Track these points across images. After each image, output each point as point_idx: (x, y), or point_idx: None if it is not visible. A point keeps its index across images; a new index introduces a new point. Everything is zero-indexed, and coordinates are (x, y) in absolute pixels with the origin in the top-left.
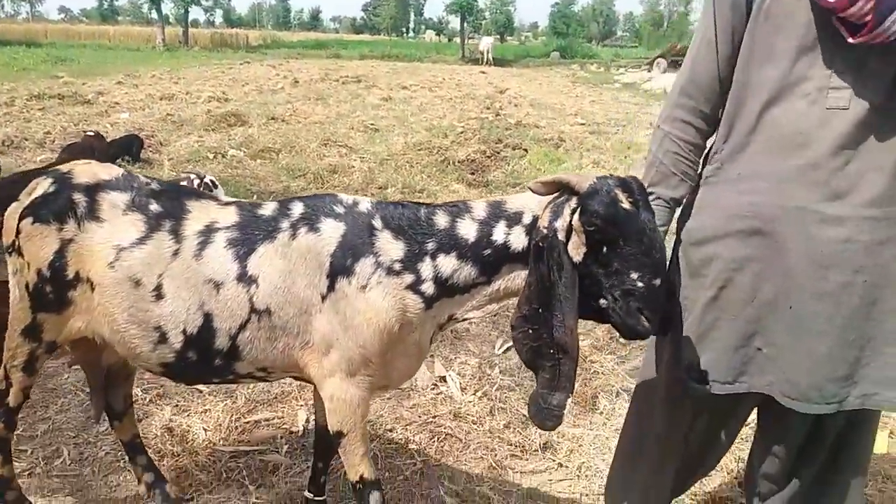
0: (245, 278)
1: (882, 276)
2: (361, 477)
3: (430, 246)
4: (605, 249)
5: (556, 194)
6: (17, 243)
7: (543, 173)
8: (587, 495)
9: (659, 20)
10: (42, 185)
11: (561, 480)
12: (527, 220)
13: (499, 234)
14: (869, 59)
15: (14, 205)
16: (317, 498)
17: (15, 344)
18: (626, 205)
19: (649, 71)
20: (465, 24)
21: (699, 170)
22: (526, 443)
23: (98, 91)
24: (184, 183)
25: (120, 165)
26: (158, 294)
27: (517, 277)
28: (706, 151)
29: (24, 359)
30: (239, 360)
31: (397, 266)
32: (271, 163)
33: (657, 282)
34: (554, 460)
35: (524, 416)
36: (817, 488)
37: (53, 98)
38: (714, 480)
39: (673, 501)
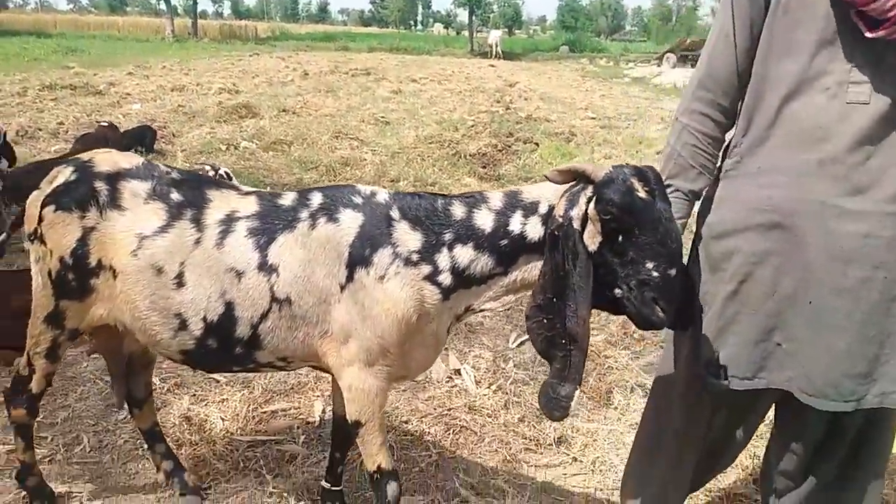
0: (266, 267)
1: None
2: (379, 467)
3: (448, 237)
4: (620, 238)
5: (572, 183)
6: (39, 231)
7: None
8: (601, 490)
9: (667, 15)
10: (63, 174)
11: (575, 475)
12: (543, 209)
13: (515, 224)
14: (887, 54)
15: (35, 193)
16: (334, 488)
17: (38, 331)
18: (641, 194)
19: (659, 66)
20: (474, 18)
21: (718, 163)
22: (540, 437)
23: (109, 82)
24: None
25: None
26: (180, 282)
27: (534, 268)
28: (725, 145)
29: (46, 346)
30: (260, 349)
31: (415, 257)
32: (283, 155)
33: (672, 271)
34: (568, 454)
35: (538, 410)
36: (834, 486)
37: (65, 88)
38: (729, 477)
39: (688, 497)
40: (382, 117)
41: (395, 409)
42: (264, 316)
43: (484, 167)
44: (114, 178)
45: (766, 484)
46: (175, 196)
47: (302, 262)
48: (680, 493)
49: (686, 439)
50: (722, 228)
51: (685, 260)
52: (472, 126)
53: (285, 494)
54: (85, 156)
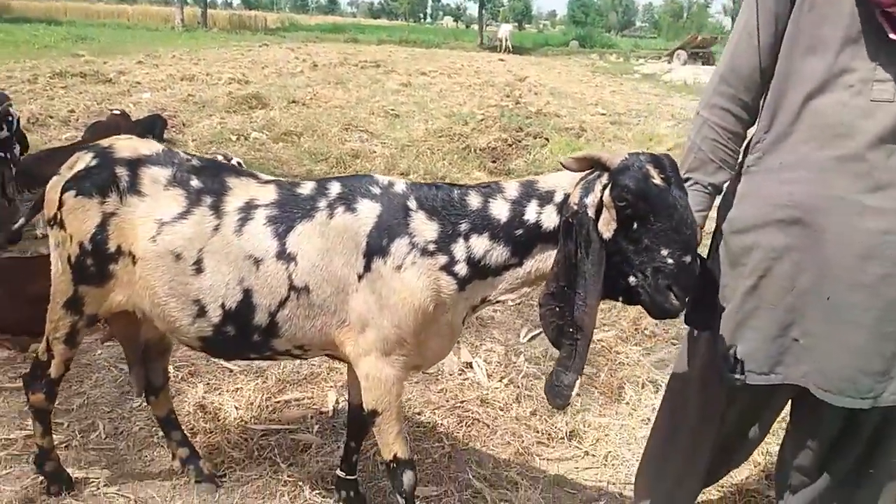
0: (284, 255)
1: None
2: (395, 456)
3: (464, 227)
4: (635, 225)
5: (587, 171)
6: (59, 216)
7: None
8: (614, 484)
9: (678, 11)
10: (84, 159)
11: (587, 468)
12: (558, 198)
13: (531, 213)
14: None
15: (55, 178)
16: (349, 477)
17: (57, 316)
18: (657, 181)
19: (669, 62)
20: (484, 12)
21: (740, 159)
22: (552, 430)
23: (119, 70)
24: None
25: None
26: (198, 268)
27: (549, 258)
28: (747, 141)
29: (65, 331)
30: (277, 338)
31: (431, 247)
32: (293, 146)
33: (687, 258)
34: (580, 448)
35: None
36: (849, 483)
37: (76, 76)
38: (741, 473)
39: (701, 493)
40: (392, 110)
41: (408, 401)
42: (282, 304)
43: (494, 161)
44: (134, 164)
45: (780, 479)
46: (195, 183)
47: (320, 252)
48: (693, 488)
49: (701, 435)
50: (742, 223)
51: (705, 255)
52: (482, 120)
53: (300, 483)
54: (105, 142)
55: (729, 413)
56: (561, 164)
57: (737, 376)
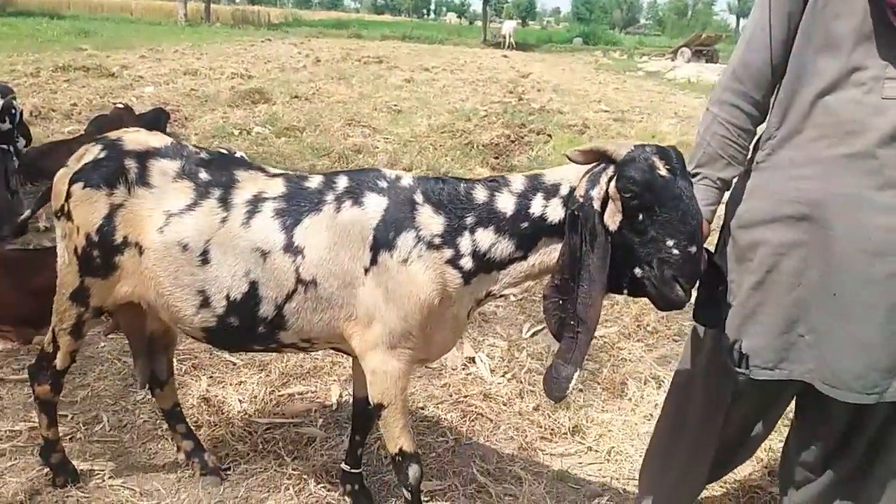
0: (291, 249)
1: None
2: (401, 449)
3: (469, 220)
4: (640, 217)
5: (593, 164)
6: (66, 207)
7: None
8: (617, 479)
9: (683, 9)
10: (92, 152)
11: (591, 464)
12: (564, 191)
13: (536, 206)
14: None
15: (63, 170)
16: (353, 470)
17: (63, 308)
18: (662, 171)
19: (673, 60)
20: (487, 8)
21: (749, 155)
22: (555, 426)
23: (122, 64)
24: None
25: None
26: (204, 259)
27: (554, 252)
28: (758, 138)
29: (71, 322)
30: (284, 330)
31: (437, 240)
32: (296, 141)
33: (693, 249)
34: (583, 444)
35: None
36: (854, 479)
37: (78, 70)
38: (744, 469)
39: (704, 489)
40: (395, 105)
41: (411, 396)
42: (289, 297)
43: (496, 157)
44: (143, 157)
45: (784, 475)
46: (204, 176)
47: (327, 245)
48: (697, 484)
49: (705, 430)
50: (750, 218)
51: (712, 251)
52: (485, 116)
53: (305, 476)
54: (113, 134)
55: (734, 409)
56: (567, 156)
57: (741, 371)
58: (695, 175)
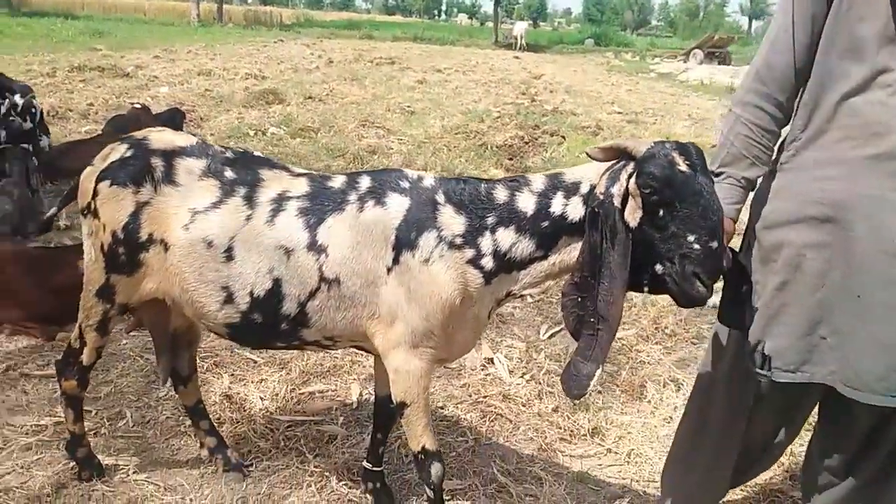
0: (315, 247)
1: None
2: (423, 448)
3: (490, 220)
4: (661, 213)
5: (613, 161)
6: (93, 205)
7: (582, 161)
8: (637, 481)
9: (695, 10)
10: (118, 150)
11: (610, 466)
12: (584, 189)
13: (557, 205)
14: None
15: (89, 168)
16: (375, 468)
17: (89, 304)
18: (683, 167)
19: (685, 62)
20: (498, 9)
21: (774, 156)
22: (574, 427)
23: (136, 64)
24: None
25: None
26: (229, 255)
27: (574, 250)
28: (782, 140)
29: (97, 319)
30: (307, 328)
31: (459, 240)
32: (311, 142)
33: (714, 244)
34: (602, 445)
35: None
36: (878, 482)
37: (94, 70)
38: (766, 472)
39: (726, 494)
40: (408, 107)
41: (431, 395)
42: (312, 294)
43: (510, 159)
44: (169, 155)
45: (808, 479)
46: (229, 174)
47: (350, 244)
48: (719, 488)
49: (728, 432)
50: (774, 219)
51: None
52: (498, 117)
53: (326, 473)
54: (139, 134)
55: (756, 413)
56: (587, 153)
57: (764, 373)
58: (719, 174)
